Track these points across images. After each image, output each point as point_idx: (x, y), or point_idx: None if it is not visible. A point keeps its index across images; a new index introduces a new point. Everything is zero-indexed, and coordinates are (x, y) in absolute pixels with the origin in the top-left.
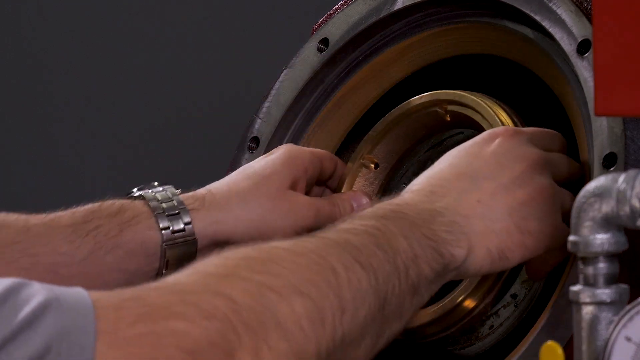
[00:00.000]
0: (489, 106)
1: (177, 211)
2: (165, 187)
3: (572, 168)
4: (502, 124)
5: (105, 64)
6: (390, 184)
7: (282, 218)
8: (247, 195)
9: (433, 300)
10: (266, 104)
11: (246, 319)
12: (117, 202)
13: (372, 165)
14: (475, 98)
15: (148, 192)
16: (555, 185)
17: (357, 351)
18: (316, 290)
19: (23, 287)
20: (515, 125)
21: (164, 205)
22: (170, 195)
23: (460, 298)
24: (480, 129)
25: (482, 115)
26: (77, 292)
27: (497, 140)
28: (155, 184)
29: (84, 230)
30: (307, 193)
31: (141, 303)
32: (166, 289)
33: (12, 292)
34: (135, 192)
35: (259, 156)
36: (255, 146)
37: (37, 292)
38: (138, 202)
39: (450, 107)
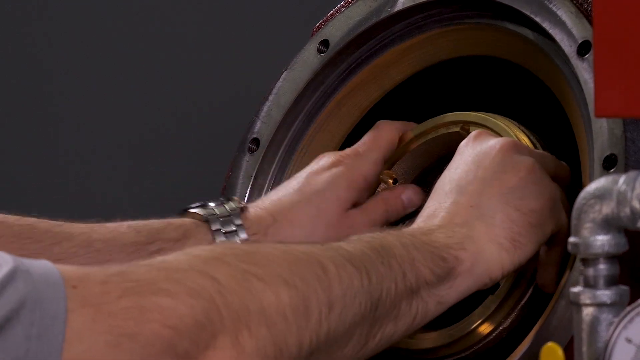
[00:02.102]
0: (511, 130)
1: (235, 229)
2: (230, 205)
3: (558, 166)
4: None
5: (105, 64)
6: None
7: (343, 235)
8: (309, 226)
9: (449, 323)
10: (266, 106)
11: (230, 302)
12: (182, 226)
13: (391, 181)
14: (498, 121)
15: (213, 215)
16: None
17: (343, 350)
18: (303, 282)
19: None
20: (536, 148)
21: (226, 239)
22: (235, 227)
23: (477, 322)
24: None
25: None
26: (45, 264)
27: (467, 147)
28: (221, 199)
29: (147, 252)
30: None
31: (127, 278)
32: (153, 265)
33: None
34: (200, 211)
35: (259, 158)
36: (256, 147)
37: (5, 262)
38: (202, 229)
39: (472, 129)
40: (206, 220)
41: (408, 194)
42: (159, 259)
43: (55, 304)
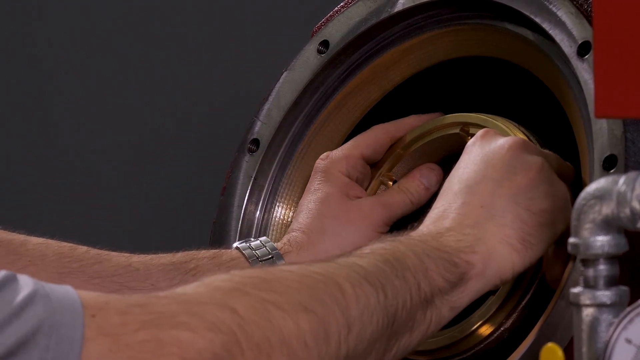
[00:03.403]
0: (510, 129)
1: (270, 256)
2: (260, 238)
3: (562, 165)
4: None
5: (105, 64)
6: None
7: (358, 227)
8: (318, 228)
9: (450, 324)
10: (266, 106)
11: (250, 334)
12: (213, 250)
13: (390, 183)
14: (498, 122)
15: (242, 244)
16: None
17: None
18: (322, 307)
19: (11, 280)
20: None
21: (257, 252)
22: (262, 243)
23: (478, 324)
24: None
25: None
26: (66, 290)
27: (474, 146)
28: (252, 239)
29: (184, 269)
30: None
31: (147, 310)
32: (173, 298)
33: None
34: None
35: (259, 158)
36: (256, 148)
37: (25, 285)
38: (233, 250)
39: (472, 130)
40: (238, 249)
41: (424, 173)
42: (180, 290)
43: (72, 331)
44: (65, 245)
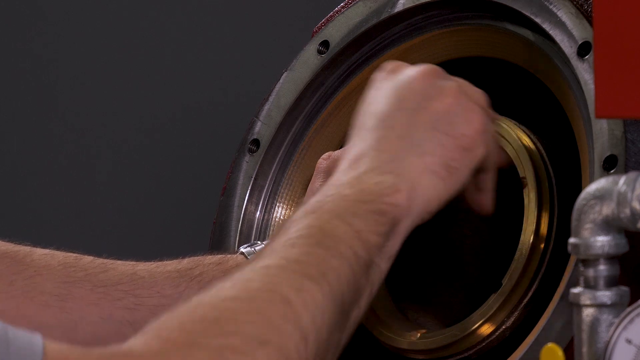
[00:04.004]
0: (511, 129)
1: None
2: (265, 242)
3: (478, 91)
4: (525, 147)
5: (105, 65)
6: None
7: None
8: None
9: (452, 323)
10: (266, 107)
11: None
12: (218, 255)
13: None
14: (499, 122)
15: (247, 249)
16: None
17: None
18: (276, 332)
19: None
20: (537, 148)
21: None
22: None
23: (479, 322)
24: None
25: (505, 139)
26: (31, 340)
27: (383, 80)
28: (258, 242)
29: (190, 276)
30: None
31: None
32: (134, 358)
33: None
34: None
35: (259, 159)
36: (256, 148)
37: None
38: (238, 256)
39: None
40: (241, 253)
41: None
42: (139, 348)
43: None
44: (71, 255)
